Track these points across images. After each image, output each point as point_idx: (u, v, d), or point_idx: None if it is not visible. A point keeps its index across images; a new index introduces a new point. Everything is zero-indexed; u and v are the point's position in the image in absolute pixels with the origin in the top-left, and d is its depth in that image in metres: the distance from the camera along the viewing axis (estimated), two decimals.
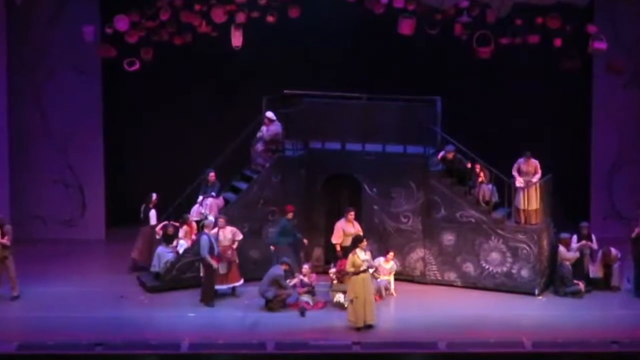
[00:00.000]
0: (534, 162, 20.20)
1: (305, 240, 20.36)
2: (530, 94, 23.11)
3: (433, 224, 20.41)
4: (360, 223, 20.30)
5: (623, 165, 23.09)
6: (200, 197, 20.99)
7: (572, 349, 17.15)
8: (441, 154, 20.61)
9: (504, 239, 20.01)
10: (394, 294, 20.01)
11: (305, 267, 19.72)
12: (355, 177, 20.80)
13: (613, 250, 20.20)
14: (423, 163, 20.47)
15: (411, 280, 20.57)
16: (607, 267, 20.21)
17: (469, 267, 20.26)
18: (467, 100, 22.81)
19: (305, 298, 19.28)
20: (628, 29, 22.52)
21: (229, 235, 19.75)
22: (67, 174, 23.10)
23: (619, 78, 22.10)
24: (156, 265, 20.38)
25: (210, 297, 19.34)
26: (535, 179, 20.11)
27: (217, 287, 19.58)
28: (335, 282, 19.60)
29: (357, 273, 18.29)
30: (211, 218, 20.06)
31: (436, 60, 22.85)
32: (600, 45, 20.66)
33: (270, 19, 21.07)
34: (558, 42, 20.92)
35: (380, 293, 19.61)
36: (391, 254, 20.13)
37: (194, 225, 20.53)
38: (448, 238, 20.34)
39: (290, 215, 20.15)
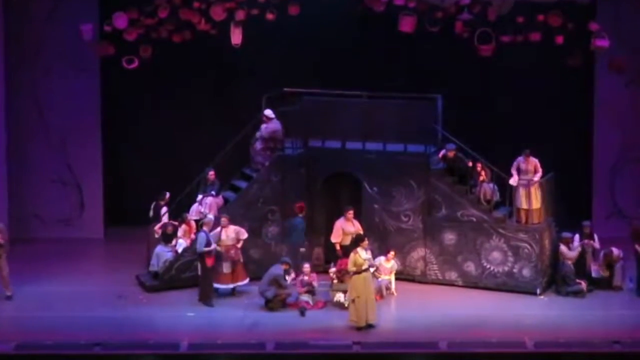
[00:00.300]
0: (534, 161, 20.15)
1: (304, 247, 20.40)
2: (532, 92, 23.04)
3: (434, 223, 20.38)
4: (360, 222, 20.27)
5: (625, 163, 23.04)
6: (200, 196, 20.92)
7: (574, 349, 17.12)
8: (442, 152, 20.57)
9: (506, 238, 19.98)
10: (395, 294, 19.98)
11: (306, 267, 19.64)
12: (356, 175, 20.77)
13: (615, 250, 20.16)
14: (424, 162, 20.44)
15: (412, 279, 20.55)
16: (609, 266, 20.13)
17: (470, 267, 20.22)
18: (468, 99, 22.74)
19: (305, 298, 19.25)
20: (630, 26, 22.43)
21: (232, 235, 19.72)
22: (65, 172, 23.06)
23: (621, 76, 22.02)
24: (155, 265, 20.35)
25: (208, 296, 19.30)
26: (537, 177, 20.05)
27: (222, 286, 19.59)
28: (335, 281, 19.55)
29: (358, 272, 18.24)
30: (210, 216, 19.99)
31: (437, 58, 22.77)
32: (603, 42, 20.61)
33: (269, 16, 21.02)
34: (560, 39, 20.88)
35: (381, 292, 19.57)
36: (392, 253, 20.09)
37: (193, 224, 20.48)
38: (449, 237, 20.30)
39: (300, 213, 20.20)
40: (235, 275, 19.69)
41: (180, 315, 18.83)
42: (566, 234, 20.16)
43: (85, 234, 22.96)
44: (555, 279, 20.04)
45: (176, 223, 20.56)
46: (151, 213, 20.92)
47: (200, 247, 19.25)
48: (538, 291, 19.84)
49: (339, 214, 20.36)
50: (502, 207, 20.40)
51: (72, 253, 22.11)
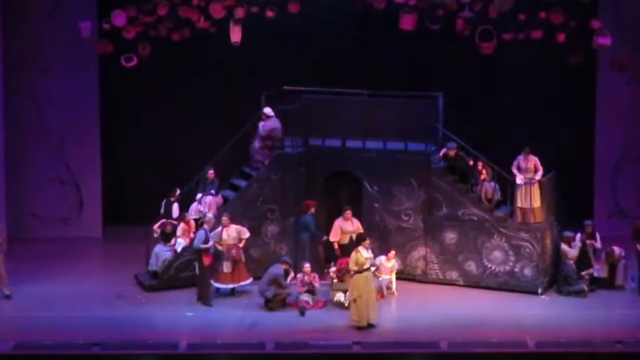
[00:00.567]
0: (533, 159, 20.11)
1: (324, 237, 20.35)
2: (533, 90, 23.01)
3: (435, 222, 20.33)
4: (361, 221, 20.24)
5: (627, 162, 23.02)
6: (199, 195, 20.85)
7: (575, 348, 17.09)
8: (443, 151, 20.54)
9: (507, 237, 19.94)
10: (395, 293, 19.95)
11: (306, 266, 19.57)
12: (356, 174, 20.72)
13: (616, 249, 20.12)
14: (424, 160, 20.39)
15: (412, 279, 20.51)
16: (611, 266, 20.06)
17: (471, 266, 20.18)
18: (469, 97, 22.73)
19: (305, 297, 19.20)
20: (632, 24, 22.41)
21: (234, 234, 19.68)
22: (64, 171, 23.05)
23: (623, 74, 21.95)
24: (154, 264, 20.32)
25: (206, 296, 19.25)
26: (538, 176, 20.01)
27: (222, 286, 19.58)
28: (335, 280, 19.48)
29: (360, 271, 18.21)
30: (210, 215, 19.94)
31: (438, 56, 22.74)
32: (604, 40, 20.55)
33: (269, 14, 20.96)
34: (561, 37, 20.84)
35: (382, 292, 19.52)
36: (393, 252, 20.05)
37: (192, 223, 20.42)
38: (450, 236, 20.25)
39: (311, 210, 20.21)
40: (236, 275, 19.65)
41: (180, 315, 18.78)
42: (568, 233, 20.11)
43: (83, 233, 22.95)
44: (557, 278, 19.99)
45: (175, 222, 20.49)
46: (162, 210, 20.85)
47: (198, 243, 19.22)
48: (539, 291, 19.79)
49: (339, 213, 20.33)
50: (503, 206, 20.36)
51: (70, 252, 22.09)
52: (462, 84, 22.54)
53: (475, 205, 20.12)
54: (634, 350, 17.09)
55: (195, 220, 20.44)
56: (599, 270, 20.13)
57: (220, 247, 19.53)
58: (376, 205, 20.58)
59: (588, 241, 20.17)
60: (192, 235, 20.12)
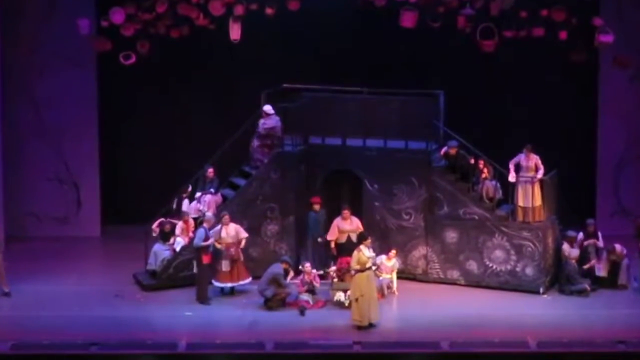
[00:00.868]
0: (534, 157, 20.08)
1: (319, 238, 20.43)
2: (535, 88, 22.97)
3: (435, 221, 20.30)
4: (361, 220, 20.20)
5: (630, 160, 22.96)
6: (199, 194, 20.80)
7: (577, 348, 17.04)
8: (444, 149, 20.50)
9: (508, 236, 19.90)
10: (396, 293, 19.91)
11: (307, 265, 19.51)
12: (356, 173, 20.68)
13: (618, 247, 20.09)
14: (425, 159, 20.35)
15: (413, 278, 20.49)
16: (614, 265, 19.99)
17: (472, 265, 20.13)
18: (471, 95, 22.68)
19: (305, 297, 19.17)
20: (635, 21, 22.32)
21: (233, 233, 19.66)
22: (62, 170, 22.98)
23: (625, 72, 21.95)
24: (152, 263, 20.29)
25: (204, 295, 19.20)
26: (539, 174, 19.92)
27: (221, 284, 19.56)
28: (335, 280, 19.41)
29: (362, 270, 18.15)
30: (210, 214, 19.91)
31: (439, 54, 22.70)
32: (606, 38, 20.55)
33: (269, 11, 20.93)
34: (563, 35, 20.82)
35: (382, 291, 19.47)
36: (393, 251, 20.02)
37: (191, 222, 20.35)
38: (451, 235, 20.20)
39: (316, 207, 20.19)
40: (234, 274, 19.61)
41: (179, 314, 18.74)
42: (571, 233, 20.05)
43: (81, 232, 22.90)
44: (559, 277, 19.93)
45: (174, 221, 20.43)
46: (174, 206, 20.82)
47: (199, 241, 19.19)
48: (541, 290, 19.74)
49: (339, 211, 20.28)
50: (504, 204, 20.31)
51: (68, 252, 22.05)
52: (463, 81, 22.48)
53: (476, 204, 20.07)
54: (636, 351, 17.04)
55: (195, 219, 20.38)
56: (600, 269, 20.05)
57: (219, 246, 19.47)
58: (377, 204, 20.54)
59: (590, 240, 20.10)
60: (191, 234, 20.08)
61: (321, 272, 19.67)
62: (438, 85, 20.70)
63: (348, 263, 18.89)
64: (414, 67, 22.60)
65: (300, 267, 19.67)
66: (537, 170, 19.99)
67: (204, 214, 20.06)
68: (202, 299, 19.20)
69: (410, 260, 20.47)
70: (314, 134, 20.92)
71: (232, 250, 19.56)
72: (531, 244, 19.74)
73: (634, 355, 17.00)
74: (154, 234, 20.45)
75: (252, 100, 21.16)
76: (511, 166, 20.02)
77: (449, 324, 18.25)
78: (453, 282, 20.24)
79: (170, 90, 23.21)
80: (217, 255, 19.47)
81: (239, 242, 19.67)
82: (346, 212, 20.06)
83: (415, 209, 20.35)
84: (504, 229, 19.88)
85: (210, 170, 20.85)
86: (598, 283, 19.93)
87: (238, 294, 19.65)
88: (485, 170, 20.47)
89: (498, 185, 20.25)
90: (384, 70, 22.56)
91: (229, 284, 19.63)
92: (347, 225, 20.03)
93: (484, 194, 20.25)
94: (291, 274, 19.39)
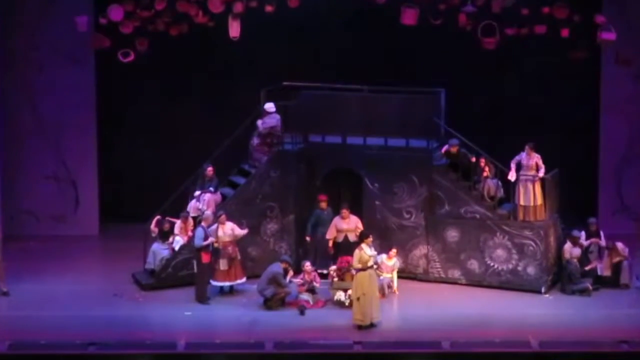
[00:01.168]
0: (535, 156, 20.03)
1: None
2: (537, 86, 22.94)
3: (436, 220, 20.25)
4: (361, 219, 20.16)
5: (632, 158, 22.89)
6: (198, 192, 20.71)
7: (579, 348, 17.00)
8: (445, 147, 20.46)
9: (510, 235, 19.84)
10: (397, 292, 19.86)
11: (307, 265, 19.44)
12: (357, 171, 20.62)
13: (619, 245, 20.04)
14: (426, 157, 20.30)
15: (414, 277, 20.45)
16: (616, 264, 19.93)
17: (474, 265, 20.08)
18: (472, 93, 22.66)
19: (305, 296, 19.13)
20: (637, 18, 22.30)
21: (229, 231, 19.61)
22: (60, 168, 22.93)
23: (628, 69, 21.92)
24: (151, 263, 20.25)
25: (203, 294, 19.17)
26: (540, 173, 19.87)
27: (219, 283, 19.53)
28: (335, 279, 19.34)
29: (363, 269, 18.10)
30: (209, 213, 19.87)
31: (440, 51, 22.67)
32: (609, 35, 20.51)
33: (268, 8, 20.88)
34: (565, 32, 20.77)
35: (383, 291, 19.40)
36: (394, 250, 19.96)
37: (190, 221, 20.31)
38: (452, 234, 20.15)
39: (323, 205, 20.18)
40: (232, 273, 19.57)
41: (178, 314, 18.71)
42: (576, 232, 20.00)
43: (80, 231, 22.84)
44: (561, 277, 19.86)
45: (173, 220, 20.37)
46: (188, 208, 20.70)
47: (199, 241, 19.14)
48: (543, 289, 19.69)
49: (339, 210, 20.25)
50: (506, 203, 20.28)
51: (66, 250, 22.00)
52: (464, 79, 22.45)
53: (477, 202, 20.02)
54: (639, 350, 16.97)
55: (194, 218, 20.33)
56: (602, 268, 19.98)
57: (216, 245, 19.42)
58: (377, 202, 20.49)
59: (593, 239, 20.05)
60: (189, 233, 20.01)
61: (324, 270, 19.60)
62: (439, 83, 20.65)
63: (348, 262, 18.89)
64: (415, 65, 22.56)
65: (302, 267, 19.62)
66: (538, 169, 19.93)
67: (203, 213, 19.98)
68: (202, 298, 19.16)
69: (411, 260, 20.42)
70: (314, 132, 20.88)
71: (229, 248, 19.51)
72: (533, 243, 19.67)
73: (636, 355, 16.95)
74: (153, 235, 20.40)
75: (251, 99, 21.11)
76: (512, 165, 19.97)
77: (450, 323, 18.21)
78: (454, 282, 20.19)
79: (169, 88, 23.16)
80: (214, 254, 19.41)
81: (237, 240, 19.58)
82: (345, 211, 20.05)
83: (416, 207, 20.30)
84: (505, 227, 19.84)
85: (210, 168, 20.80)
86: (600, 282, 19.87)
87: (237, 294, 19.62)
88: (487, 168, 20.44)
89: (499, 183, 20.23)
90: (385, 67, 22.54)
91: (227, 283, 19.58)
92: (345, 224, 20.03)
93: (485, 193, 20.22)
94: (290, 273, 19.32)
